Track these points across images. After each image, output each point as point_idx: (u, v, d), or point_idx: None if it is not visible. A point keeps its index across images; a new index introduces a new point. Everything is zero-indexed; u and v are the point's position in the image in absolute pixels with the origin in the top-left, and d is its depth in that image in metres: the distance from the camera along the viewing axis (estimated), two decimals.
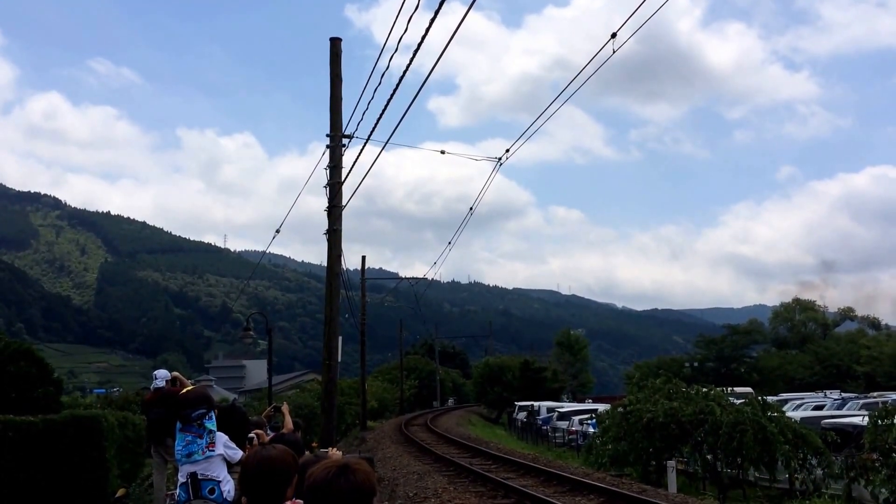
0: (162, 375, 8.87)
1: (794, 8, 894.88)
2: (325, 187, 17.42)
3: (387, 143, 14.30)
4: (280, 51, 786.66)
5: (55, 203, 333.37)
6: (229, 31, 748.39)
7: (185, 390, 6.95)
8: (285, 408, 9.24)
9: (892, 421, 15.04)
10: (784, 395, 41.54)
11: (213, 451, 5.83)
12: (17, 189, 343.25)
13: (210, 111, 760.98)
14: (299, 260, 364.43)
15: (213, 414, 6.04)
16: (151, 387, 8.93)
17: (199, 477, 5.74)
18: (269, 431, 8.23)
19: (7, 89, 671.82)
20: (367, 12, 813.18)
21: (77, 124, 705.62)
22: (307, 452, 6.62)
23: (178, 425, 6.03)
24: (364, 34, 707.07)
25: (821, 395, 41.08)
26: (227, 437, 6.02)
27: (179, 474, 6.00)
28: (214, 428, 5.94)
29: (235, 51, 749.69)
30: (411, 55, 10.82)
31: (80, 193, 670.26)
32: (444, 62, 10.74)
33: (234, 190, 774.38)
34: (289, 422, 8.92)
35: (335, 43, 17.98)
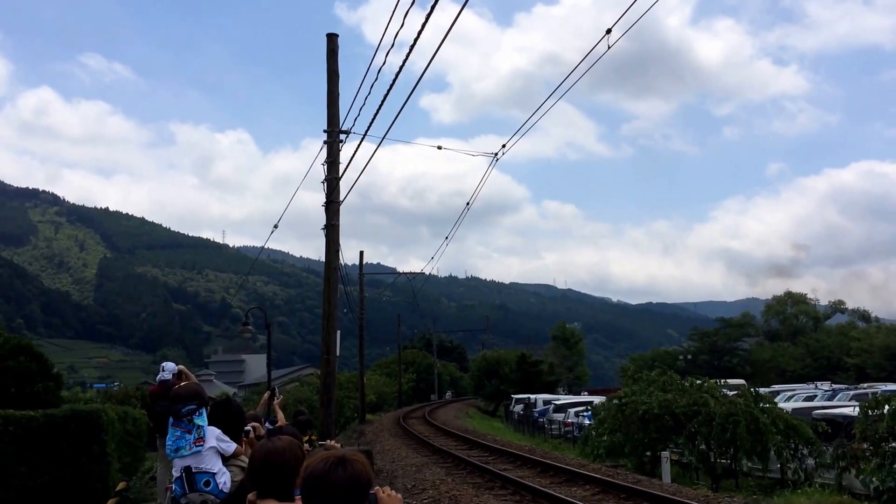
0: (170, 368, 8.95)
1: (781, 5, 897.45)
2: (323, 183, 17.52)
3: (383, 138, 14.49)
4: (272, 48, 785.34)
5: (53, 199, 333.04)
6: (222, 28, 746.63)
7: (177, 386, 7.06)
8: (277, 404, 9.37)
9: (882, 411, 15.20)
10: (776, 387, 41.86)
11: (202, 446, 5.90)
12: (15, 185, 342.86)
13: (203, 107, 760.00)
14: (297, 255, 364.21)
15: (203, 410, 6.10)
16: (158, 379, 9.02)
17: (194, 470, 5.74)
18: (267, 425, 8.37)
19: (1, 85, 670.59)
20: (355, 11, 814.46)
21: (70, 120, 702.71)
22: (307, 446, 6.76)
23: (171, 420, 6.15)
24: (355, 32, 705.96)
25: (812, 386, 41.43)
26: (219, 431, 6.04)
27: (174, 469, 6.03)
28: (205, 424, 5.94)
29: (228, 47, 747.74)
30: (406, 53, 10.98)
31: (77, 189, 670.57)
32: (435, 60, 10.90)
33: (228, 186, 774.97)
34: (281, 417, 9.04)
35: (332, 39, 18.01)
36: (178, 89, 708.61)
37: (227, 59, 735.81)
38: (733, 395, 20.33)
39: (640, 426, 20.33)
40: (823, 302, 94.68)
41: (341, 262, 18.98)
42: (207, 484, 5.79)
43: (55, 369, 19.07)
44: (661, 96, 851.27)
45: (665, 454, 18.54)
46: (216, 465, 5.90)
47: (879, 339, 69.02)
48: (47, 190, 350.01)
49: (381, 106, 13.20)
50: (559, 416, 37.17)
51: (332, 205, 17.44)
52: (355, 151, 16.81)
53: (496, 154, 15.59)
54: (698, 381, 21.49)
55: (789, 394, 35.54)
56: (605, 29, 10.18)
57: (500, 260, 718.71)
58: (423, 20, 9.82)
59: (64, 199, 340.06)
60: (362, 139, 15.53)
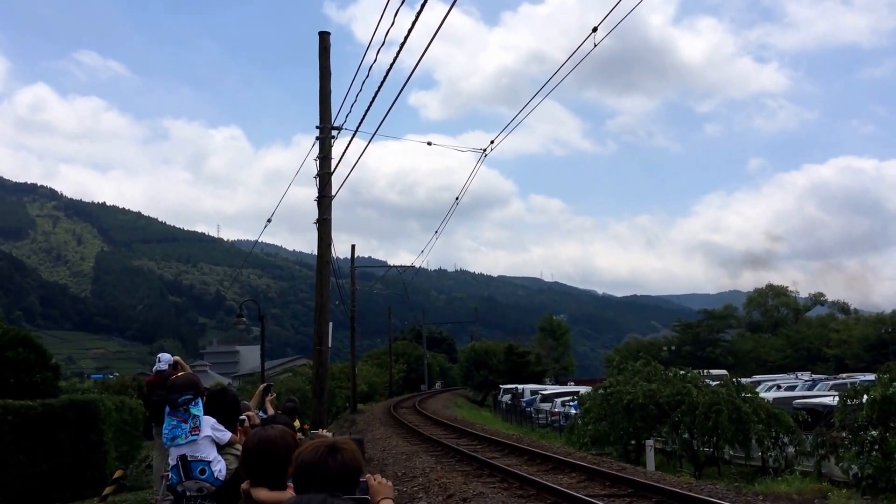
0: (166, 359, 9.28)
1: (762, 5, 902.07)
2: (315, 178, 17.77)
3: (374, 134, 14.79)
4: (264, 46, 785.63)
5: (51, 194, 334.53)
6: (215, 26, 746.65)
7: (174, 376, 7.34)
8: (269, 400, 9.72)
9: (861, 401, 15.51)
10: (757, 377, 42.38)
11: (197, 435, 6.12)
12: (13, 180, 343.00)
13: (196, 103, 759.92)
14: (290, 249, 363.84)
15: (199, 400, 6.26)
16: (154, 369, 9.33)
17: (189, 458, 5.91)
18: (260, 413, 8.70)
19: None
20: (344, 11, 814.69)
21: (66, 116, 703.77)
22: (300, 435, 7.06)
23: (167, 409, 6.42)
24: (344, 31, 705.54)
25: (792, 376, 41.94)
26: (214, 420, 6.21)
27: (170, 457, 6.18)
28: (200, 413, 6.07)
29: (221, 45, 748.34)
30: (396, 52, 11.26)
31: (74, 184, 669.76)
32: (423, 58, 11.19)
33: (221, 181, 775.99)
34: (269, 409, 9.39)
35: (324, 37, 18.24)
36: (171, 86, 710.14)
37: (220, 56, 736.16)
38: (716, 384, 20.72)
39: (625, 415, 20.70)
40: (804, 294, 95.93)
41: (333, 255, 19.28)
42: (203, 472, 6.03)
43: (53, 360, 19.41)
44: (645, 93, 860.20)
45: (649, 442, 18.89)
46: (212, 454, 6.14)
47: (858, 331, 70.02)
48: (45, 185, 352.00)
49: (371, 103, 13.50)
50: (546, 406, 37.58)
51: (325, 199, 17.69)
52: (347, 147, 17.17)
53: (485, 150, 15.89)
54: (682, 372, 21.88)
55: (770, 384, 36.06)
56: (590, 27, 10.38)
57: (488, 253, 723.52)
58: (413, 19, 10.11)
59: (61, 194, 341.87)
60: (353, 135, 15.83)
